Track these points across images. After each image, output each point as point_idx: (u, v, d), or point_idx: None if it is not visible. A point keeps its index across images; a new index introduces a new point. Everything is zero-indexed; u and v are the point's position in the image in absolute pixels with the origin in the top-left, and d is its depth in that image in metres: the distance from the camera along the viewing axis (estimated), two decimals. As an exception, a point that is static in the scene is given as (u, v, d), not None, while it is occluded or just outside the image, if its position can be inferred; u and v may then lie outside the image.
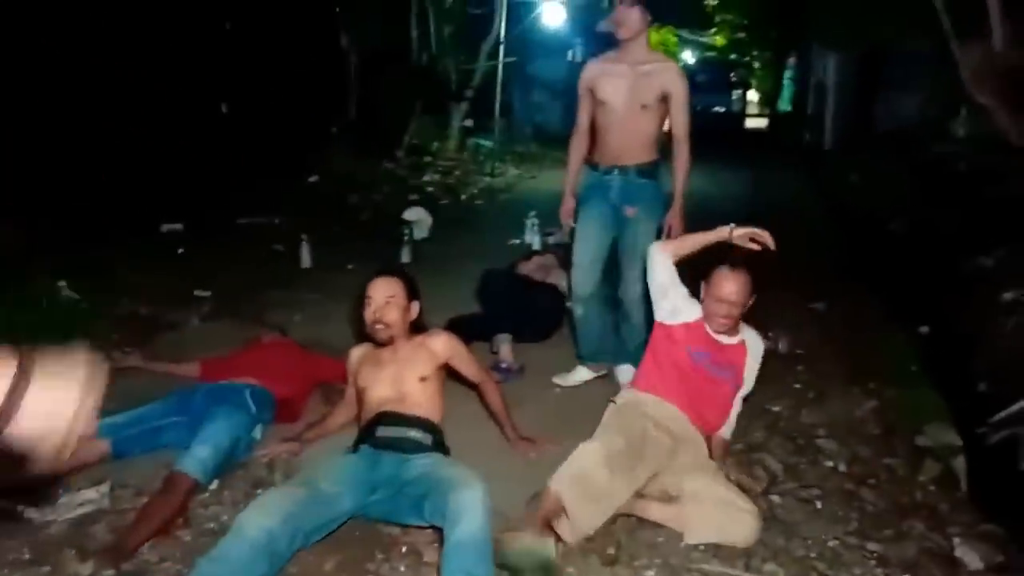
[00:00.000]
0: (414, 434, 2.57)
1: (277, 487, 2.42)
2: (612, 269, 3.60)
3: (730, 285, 2.78)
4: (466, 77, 12.80)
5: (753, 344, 2.96)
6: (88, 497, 2.55)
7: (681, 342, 2.86)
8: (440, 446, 2.64)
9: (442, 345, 2.83)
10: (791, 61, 23.49)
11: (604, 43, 3.57)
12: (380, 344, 2.77)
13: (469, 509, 2.09)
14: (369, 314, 2.74)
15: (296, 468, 2.76)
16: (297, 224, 6.78)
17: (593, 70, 3.46)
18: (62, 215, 5.59)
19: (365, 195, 8.82)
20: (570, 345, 4.00)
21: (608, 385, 3.65)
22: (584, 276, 3.52)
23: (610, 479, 2.40)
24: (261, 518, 2.08)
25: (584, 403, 3.39)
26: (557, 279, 4.51)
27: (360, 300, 2.79)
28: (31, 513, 2.47)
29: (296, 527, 2.13)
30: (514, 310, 4.13)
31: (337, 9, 9.08)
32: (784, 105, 25.34)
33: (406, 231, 6.30)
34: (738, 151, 16.07)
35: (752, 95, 31.29)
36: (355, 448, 2.58)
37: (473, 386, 3.06)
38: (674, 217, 3.43)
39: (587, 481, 2.38)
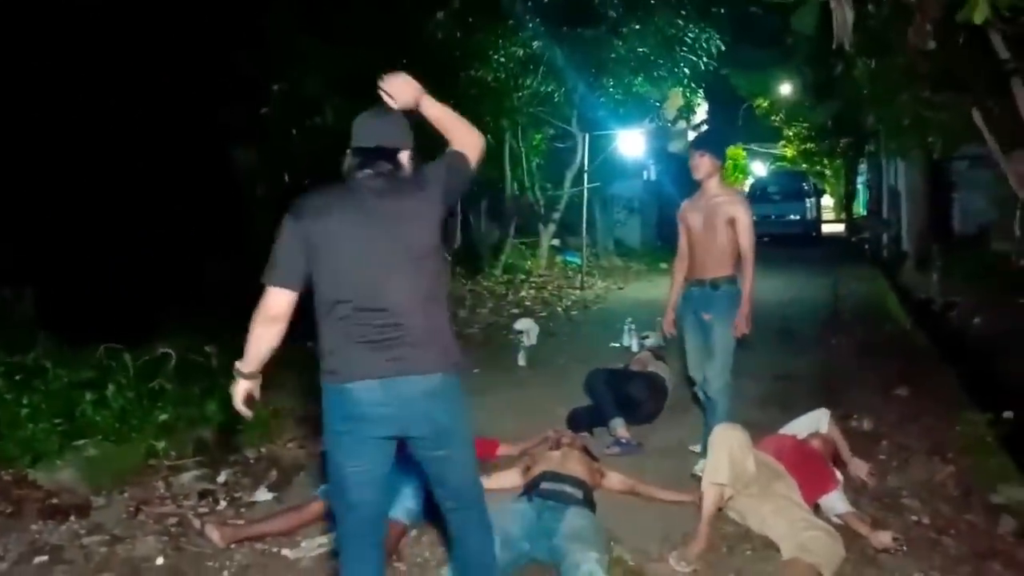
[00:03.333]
0: (568, 489, 3.34)
1: None
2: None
3: None
4: (553, 202, 14.04)
5: None
6: (321, 541, 3.37)
7: None
8: (589, 502, 3.39)
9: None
10: (863, 167, 24.18)
11: (676, 162, 4.45)
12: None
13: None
14: (554, 432, 4.04)
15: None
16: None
17: (684, 205, 4.31)
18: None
19: (472, 310, 9.85)
20: (679, 425, 4.78)
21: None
22: (694, 366, 4.29)
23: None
24: None
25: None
26: (656, 369, 5.28)
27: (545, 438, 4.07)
28: (285, 552, 3.31)
29: (500, 566, 2.87)
30: (619, 398, 4.88)
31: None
32: (860, 209, 25.83)
33: (519, 339, 7.16)
34: (817, 256, 16.59)
35: (827, 201, 31.85)
36: (526, 496, 3.35)
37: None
38: (741, 318, 4.07)
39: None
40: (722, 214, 4.08)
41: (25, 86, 6.67)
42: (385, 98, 2.41)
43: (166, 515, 3.64)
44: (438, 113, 2.41)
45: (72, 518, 3.53)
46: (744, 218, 4.09)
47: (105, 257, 6.77)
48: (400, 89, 2.41)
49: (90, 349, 5.04)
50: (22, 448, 3.94)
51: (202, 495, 3.89)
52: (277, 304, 2.27)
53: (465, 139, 2.41)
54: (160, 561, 3.24)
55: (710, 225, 4.10)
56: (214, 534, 3.35)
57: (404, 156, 2.37)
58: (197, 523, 3.52)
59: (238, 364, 2.39)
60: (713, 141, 4.44)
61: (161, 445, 4.27)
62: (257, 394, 2.46)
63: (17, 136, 6.62)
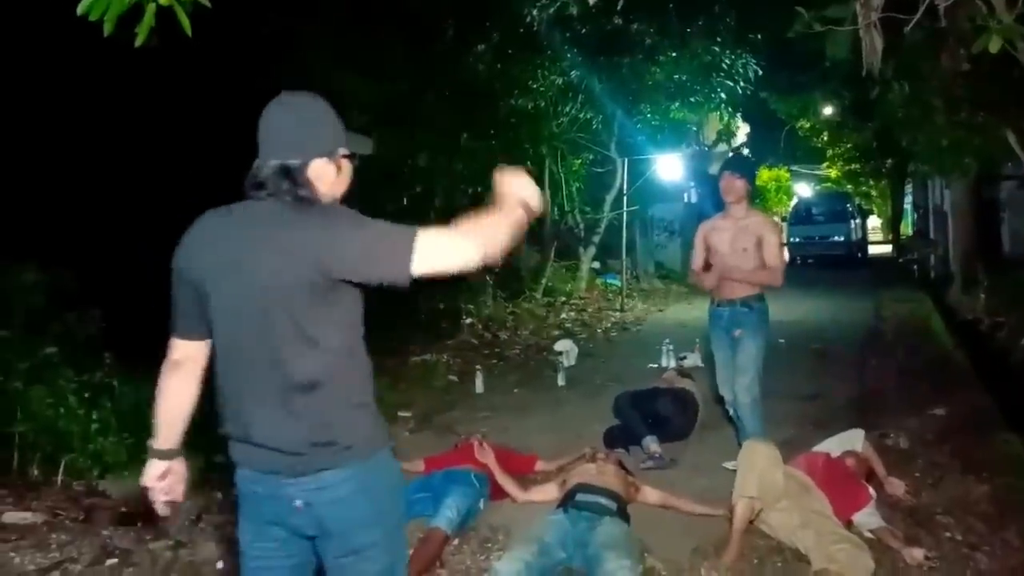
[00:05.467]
0: (603, 501, 3.49)
1: (517, 544, 3.34)
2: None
3: None
4: (592, 225, 14.23)
5: None
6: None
7: None
8: (623, 513, 3.52)
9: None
10: (909, 187, 23.84)
11: (714, 184, 4.61)
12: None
13: None
14: (590, 449, 4.17)
15: (511, 530, 3.67)
16: (464, 359, 8.01)
17: (706, 226, 4.48)
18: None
19: (513, 331, 10.05)
20: (712, 443, 4.89)
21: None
22: (724, 384, 4.47)
23: None
24: (512, 564, 3.09)
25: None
26: (686, 385, 5.42)
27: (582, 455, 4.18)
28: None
29: (532, 571, 3.08)
30: (647, 416, 5.01)
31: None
32: (908, 230, 25.42)
33: (559, 360, 7.32)
34: (862, 278, 16.43)
35: (874, 222, 31.43)
36: (562, 508, 3.50)
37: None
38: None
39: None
40: (751, 233, 4.24)
41: (87, 125, 7.16)
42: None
43: (225, 523, 3.87)
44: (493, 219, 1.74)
45: (139, 525, 3.80)
46: (773, 238, 4.28)
47: (160, 281, 7.19)
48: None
49: (154, 368, 5.35)
50: (93, 461, 4.24)
51: (257, 505, 4.12)
52: (179, 348, 1.87)
53: (456, 241, 1.69)
54: (220, 565, 3.47)
55: (739, 247, 4.24)
56: (269, 541, 3.56)
57: (317, 167, 1.77)
58: (253, 530, 3.74)
59: (150, 441, 1.96)
60: (747, 165, 4.71)
61: (219, 458, 4.53)
62: (180, 482, 1.99)
63: (78, 171, 7.07)
